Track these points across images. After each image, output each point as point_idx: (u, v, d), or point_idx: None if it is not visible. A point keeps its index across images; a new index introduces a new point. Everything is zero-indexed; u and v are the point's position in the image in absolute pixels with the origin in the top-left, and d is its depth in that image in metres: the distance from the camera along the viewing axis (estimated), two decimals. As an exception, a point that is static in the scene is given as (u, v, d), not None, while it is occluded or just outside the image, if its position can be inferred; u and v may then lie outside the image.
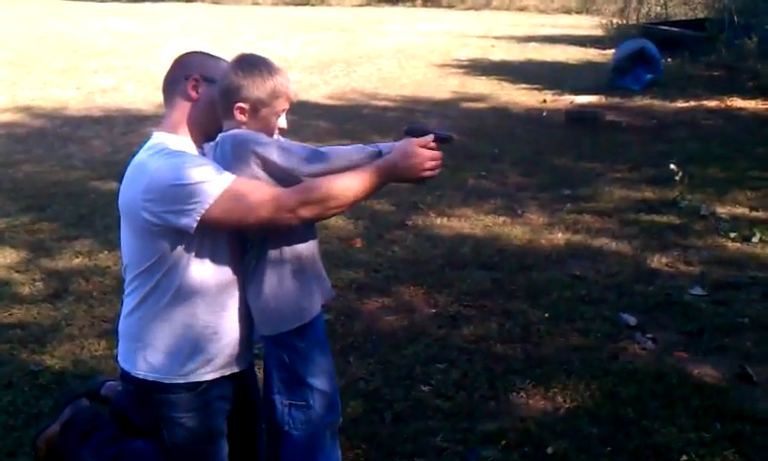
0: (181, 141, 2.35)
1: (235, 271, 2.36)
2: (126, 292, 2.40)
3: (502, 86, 11.63)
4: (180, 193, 2.16)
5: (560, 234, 5.52)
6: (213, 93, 2.36)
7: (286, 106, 2.35)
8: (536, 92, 11.17)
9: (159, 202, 2.17)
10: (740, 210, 5.99)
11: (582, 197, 6.42)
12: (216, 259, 2.31)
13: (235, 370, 2.46)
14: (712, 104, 9.98)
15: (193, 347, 2.34)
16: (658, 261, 5.01)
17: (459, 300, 4.42)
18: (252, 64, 2.31)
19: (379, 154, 2.36)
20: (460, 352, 3.81)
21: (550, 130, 9.05)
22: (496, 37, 16.97)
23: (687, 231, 5.57)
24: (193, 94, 2.38)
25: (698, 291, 4.56)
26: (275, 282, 2.34)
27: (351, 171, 2.28)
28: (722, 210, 5.96)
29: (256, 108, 2.29)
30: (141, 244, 2.28)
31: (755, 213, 5.91)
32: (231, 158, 2.25)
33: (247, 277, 2.36)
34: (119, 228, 2.37)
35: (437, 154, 2.33)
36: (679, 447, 3.04)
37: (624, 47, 11.61)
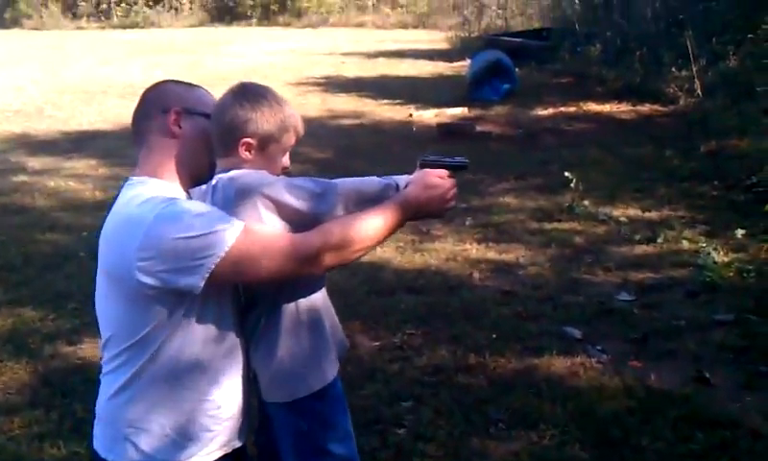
0: (167, 186, 1.99)
1: (238, 333, 2.03)
2: (108, 369, 1.99)
3: (365, 103, 11.53)
4: (184, 248, 1.80)
5: (473, 250, 5.44)
6: (199, 127, 2.03)
7: (293, 141, 2.06)
8: (399, 107, 11.15)
9: (160, 260, 1.80)
10: (633, 212, 6.16)
11: (480, 209, 6.39)
12: (221, 322, 1.97)
13: (237, 445, 2.11)
14: (571, 109, 10.36)
15: (196, 426, 1.98)
16: (576, 270, 5.04)
17: (399, 328, 4.21)
18: (259, 95, 2.00)
19: (395, 187, 2.10)
20: (423, 387, 3.60)
21: (424, 144, 8.99)
22: (344, 54, 16.90)
23: (593, 237, 5.66)
24: (175, 130, 2.02)
25: (626, 297, 4.61)
26: (291, 341, 2.03)
27: (371, 208, 2.01)
28: (617, 213, 6.11)
29: (265, 143, 1.98)
30: (133, 312, 1.90)
31: (648, 214, 6.09)
32: (236, 203, 1.92)
33: (253, 338, 2.04)
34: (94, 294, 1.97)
35: (454, 183, 2.12)
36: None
37: (479, 59, 11.85)
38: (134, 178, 2.01)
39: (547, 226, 5.93)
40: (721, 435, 3.15)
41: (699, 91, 9.74)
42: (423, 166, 2.14)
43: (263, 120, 1.96)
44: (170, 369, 1.92)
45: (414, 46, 17.81)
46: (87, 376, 3.66)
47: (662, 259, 5.16)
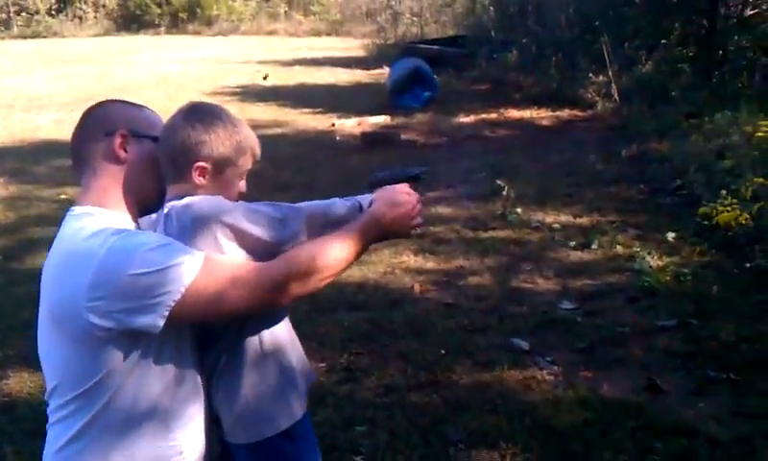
0: (115, 216, 1.80)
1: (198, 372, 1.85)
2: (54, 419, 1.78)
3: (285, 112, 11.34)
4: (141, 284, 1.62)
5: (411, 261, 5.34)
6: (147, 151, 1.86)
7: (250, 164, 1.90)
8: (320, 116, 11.01)
9: (114, 298, 1.62)
10: (565, 218, 6.18)
11: (413, 220, 6.27)
12: (180, 362, 1.79)
13: (197, 491, 1.93)
14: (492, 116, 10.43)
15: (157, 476, 1.80)
16: (516, 278, 5.00)
17: (345, 348, 4.07)
18: (213, 115, 1.84)
19: (359, 207, 1.97)
20: (375, 409, 3.46)
21: (350, 153, 8.92)
22: (260, 63, 16.62)
23: (528, 244, 5.64)
24: (121, 154, 1.83)
25: (568, 305, 4.59)
26: (255, 378, 1.87)
27: (336, 232, 1.87)
28: (549, 220, 6.12)
29: (221, 167, 1.82)
30: (83, 356, 1.70)
31: (579, 220, 6.13)
32: (193, 233, 1.75)
33: (213, 376, 1.86)
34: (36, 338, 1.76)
35: (419, 198, 2.01)
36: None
37: (399, 67, 11.81)
38: (78, 207, 1.81)
39: (483, 234, 5.88)
40: (680, 444, 3.13)
41: (616, 96, 9.95)
42: (378, 184, 2.03)
43: (218, 142, 1.80)
44: (126, 416, 1.74)
45: (330, 54, 17.69)
46: (17, 415, 3.38)
47: (599, 265, 5.17)
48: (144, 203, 1.86)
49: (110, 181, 1.83)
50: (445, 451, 3.15)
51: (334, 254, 1.82)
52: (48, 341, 1.75)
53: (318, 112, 11.22)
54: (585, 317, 4.41)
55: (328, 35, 23.07)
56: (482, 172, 7.59)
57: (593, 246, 5.46)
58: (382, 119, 10.59)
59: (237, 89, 13.36)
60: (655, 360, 3.88)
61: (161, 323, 1.64)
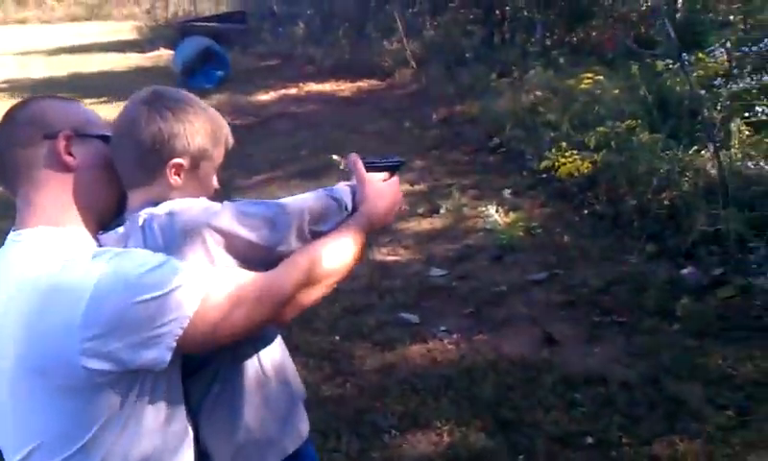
0: (77, 236, 1.50)
1: (185, 407, 1.59)
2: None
3: (67, 105, 10.37)
4: (144, 314, 1.34)
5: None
6: (98, 153, 1.56)
7: (223, 155, 1.65)
8: (107, 106, 10.17)
9: (113, 335, 1.32)
10: (403, 187, 6.16)
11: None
12: (172, 398, 1.52)
13: None
14: (292, 92, 10.25)
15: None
16: (379, 252, 4.93)
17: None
18: (181, 100, 1.56)
19: (340, 198, 1.79)
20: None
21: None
22: (18, 54, 15.13)
23: (378, 217, 5.58)
24: (69, 159, 1.52)
25: (438, 271, 4.60)
26: (258, 403, 1.64)
27: (335, 233, 1.68)
28: (389, 190, 6.09)
29: (197, 162, 1.56)
30: (73, 410, 1.38)
31: (418, 187, 6.20)
32: (183, 244, 1.49)
33: (203, 409, 1.61)
34: None
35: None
36: (575, 430, 3.00)
37: (186, 47, 11.26)
38: (25, 230, 1.48)
39: (329, 211, 5.73)
40: (597, 392, 3.24)
41: (412, 62, 10.14)
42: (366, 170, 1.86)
43: (193, 133, 1.55)
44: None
45: (97, 39, 16.50)
46: None
47: (453, 229, 5.24)
48: (102, 215, 1.56)
49: (59, 194, 1.51)
50: (380, 440, 3.02)
51: (339, 258, 1.64)
52: (19, 400, 1.40)
53: (104, 102, 10.39)
54: (459, 281, 4.44)
55: (87, 19, 21.52)
56: (303, 149, 7.43)
57: (441, 211, 5.53)
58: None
59: (4, 85, 12.06)
60: (539, 313, 3.99)
61: (169, 356, 1.37)
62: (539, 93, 7.31)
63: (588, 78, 5.54)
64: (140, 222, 1.50)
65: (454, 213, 5.48)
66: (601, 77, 5.74)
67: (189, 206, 1.51)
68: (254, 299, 1.47)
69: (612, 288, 4.17)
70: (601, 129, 4.98)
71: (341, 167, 6.07)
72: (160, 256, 1.40)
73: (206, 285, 1.40)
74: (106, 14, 20.93)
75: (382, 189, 1.79)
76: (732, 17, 5.00)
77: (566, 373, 3.39)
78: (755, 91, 5.18)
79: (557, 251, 4.72)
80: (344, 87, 10.33)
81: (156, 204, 1.51)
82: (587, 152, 5.10)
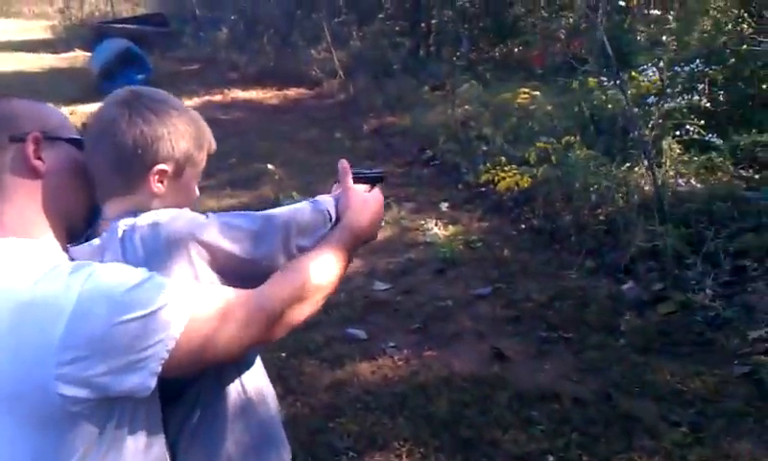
0: (48, 248, 1.38)
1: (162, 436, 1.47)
2: None
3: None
4: (128, 335, 1.22)
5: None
6: (69, 158, 1.44)
7: (205, 161, 1.56)
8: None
9: (94, 358, 1.19)
10: (338, 198, 6.10)
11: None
12: (150, 426, 1.39)
13: None
14: (218, 98, 10.04)
15: None
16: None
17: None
18: (163, 101, 1.46)
19: (325, 209, 1.70)
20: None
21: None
22: None
23: (315, 229, 5.48)
24: (38, 164, 1.39)
25: (382, 285, 4.54)
26: (240, 430, 1.54)
27: (321, 247, 1.60)
28: (324, 201, 6.00)
29: (181, 168, 1.46)
30: (47, 443, 1.24)
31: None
32: (168, 258, 1.38)
33: (182, 437, 1.50)
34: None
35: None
36: (535, 448, 2.98)
37: (105, 48, 10.89)
38: None
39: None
40: (552, 409, 3.22)
41: (340, 72, 10.08)
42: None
43: (178, 136, 1.45)
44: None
45: (6, 38, 15.77)
46: None
47: (394, 242, 5.19)
48: (72, 226, 1.44)
49: (28, 202, 1.38)
50: (338, 462, 2.93)
51: (328, 273, 1.55)
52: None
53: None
54: (403, 296, 4.39)
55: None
56: (232, 157, 7.25)
57: (381, 224, 5.44)
58: (97, 107, 9.64)
59: None
60: (486, 329, 3.97)
61: (153, 382, 1.26)
62: (468, 107, 7.36)
63: (525, 93, 5.59)
64: (120, 233, 1.38)
65: (394, 226, 5.43)
66: (537, 93, 5.80)
67: (174, 217, 1.40)
68: (243, 317, 1.37)
69: (556, 303, 4.19)
70: (541, 144, 5.01)
71: (276, 177, 5.97)
72: (143, 272, 1.28)
73: (193, 304, 1.29)
74: (16, 12, 20.05)
75: (367, 201, 1.72)
76: (664, 38, 5.15)
77: (520, 389, 3.37)
78: (685, 110, 5.34)
79: (498, 265, 4.72)
80: (270, 95, 10.18)
81: (135, 213, 1.40)
82: (526, 167, 5.13)
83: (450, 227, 5.31)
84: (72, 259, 1.37)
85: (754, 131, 5.39)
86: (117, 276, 1.25)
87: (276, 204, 5.68)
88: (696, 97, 5.23)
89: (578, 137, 5.11)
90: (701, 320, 3.90)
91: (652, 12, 8.14)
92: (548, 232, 5.12)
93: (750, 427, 3.03)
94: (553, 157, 4.88)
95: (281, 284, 1.45)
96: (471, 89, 6.92)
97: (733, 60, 5.50)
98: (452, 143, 6.84)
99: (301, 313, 1.48)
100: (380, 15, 10.73)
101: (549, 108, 6.04)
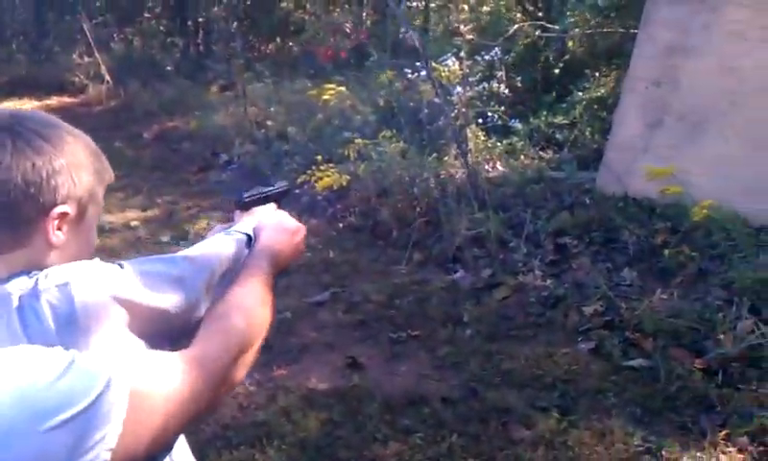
0: None
1: None
2: None
3: None
4: (60, 444, 0.92)
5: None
6: None
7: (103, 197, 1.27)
8: None
9: None
10: (135, 214, 5.65)
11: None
12: None
13: None
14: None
15: None
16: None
17: None
18: (54, 125, 1.17)
19: (247, 239, 1.47)
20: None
21: None
22: None
23: (118, 250, 5.00)
24: None
25: (208, 304, 4.20)
26: None
27: (245, 278, 1.35)
28: (118, 219, 5.52)
29: (84, 208, 1.16)
30: None
31: (153, 212, 5.66)
32: (86, 327, 1.08)
33: None
34: None
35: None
36: (420, 459, 2.85)
37: None
38: None
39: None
40: (423, 413, 3.11)
41: (107, 77, 9.36)
42: (247, 205, 1.58)
43: (78, 170, 1.16)
44: None
45: None
46: None
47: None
48: None
49: None
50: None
51: (262, 309, 1.32)
52: None
53: None
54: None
55: None
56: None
57: (190, 236, 5.08)
58: None
59: None
60: (334, 338, 3.79)
61: None
62: (258, 107, 7.10)
63: (330, 89, 5.45)
64: (15, 302, 1.04)
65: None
66: (342, 88, 5.68)
67: (86, 273, 1.09)
68: (191, 386, 1.10)
69: (395, 301, 4.10)
70: (359, 140, 4.90)
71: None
72: (61, 354, 0.96)
73: (130, 383, 0.99)
74: None
75: (283, 224, 1.51)
76: (462, 27, 5.24)
77: (385, 397, 3.22)
78: (484, 98, 5.48)
79: (327, 268, 4.55)
80: (29, 106, 9.19)
81: (27, 273, 1.07)
82: (343, 165, 4.99)
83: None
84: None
85: (545, 113, 5.66)
86: (31, 366, 0.92)
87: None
88: (495, 84, 5.37)
89: (389, 131, 5.05)
90: (535, 300, 3.98)
91: (413, 3, 8.35)
92: (368, 230, 5.03)
93: (612, 402, 3.10)
94: (371, 153, 4.78)
95: (222, 336, 1.19)
96: (266, 88, 6.65)
97: (522, 48, 5.72)
98: (249, 145, 6.53)
99: (246, 364, 1.23)
100: (146, 14, 10.08)
101: (350, 102, 5.94)
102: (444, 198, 4.79)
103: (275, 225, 1.48)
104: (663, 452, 2.75)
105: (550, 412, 3.05)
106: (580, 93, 5.57)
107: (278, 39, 10.22)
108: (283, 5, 10.43)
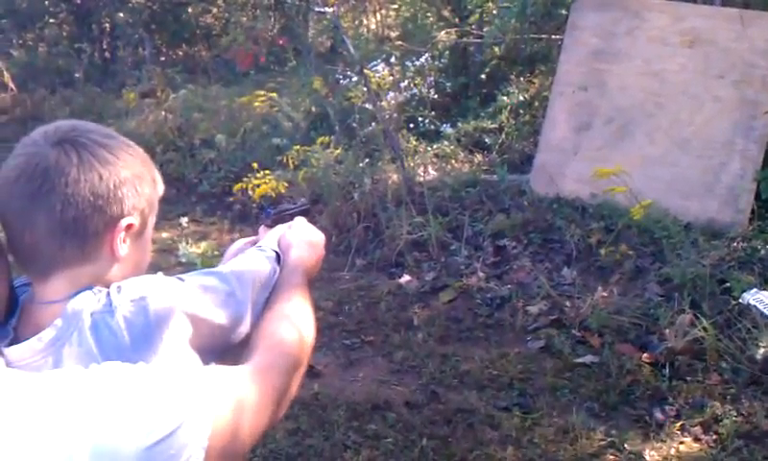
0: None
1: None
2: None
3: None
4: (158, 457, 0.93)
5: None
6: None
7: None
8: None
9: None
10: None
11: None
12: None
13: None
14: None
15: None
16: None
17: None
18: (110, 135, 1.12)
19: (276, 256, 1.49)
20: None
21: None
22: None
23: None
24: None
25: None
26: None
27: (285, 293, 1.37)
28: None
29: (146, 219, 1.15)
30: None
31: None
32: (158, 340, 1.09)
33: None
34: None
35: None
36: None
37: None
38: None
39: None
40: (391, 418, 3.13)
41: (12, 86, 8.97)
42: (275, 222, 1.61)
43: (140, 180, 1.13)
44: None
45: None
46: None
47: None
48: None
49: None
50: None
51: (309, 321, 1.35)
52: None
53: None
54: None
55: None
56: None
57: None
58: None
59: None
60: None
61: None
62: (179, 113, 6.94)
63: (261, 96, 5.39)
64: (88, 321, 1.03)
65: (170, 246, 4.94)
66: (274, 95, 5.62)
67: (159, 287, 1.09)
68: (256, 403, 1.11)
69: (345, 307, 4.11)
70: (297, 147, 4.87)
71: None
72: (145, 373, 0.96)
73: (211, 401, 1.00)
74: None
75: (310, 238, 1.54)
76: (390, 33, 5.28)
77: (350, 404, 3.23)
78: (414, 103, 5.55)
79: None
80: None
81: (90, 288, 1.04)
82: (281, 171, 4.96)
83: (202, 243, 4.96)
84: (9, 364, 0.99)
85: (471, 118, 5.77)
86: (126, 386, 0.92)
87: None
88: (424, 89, 5.45)
89: (324, 137, 5.05)
90: (481, 302, 4.07)
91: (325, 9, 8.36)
92: (307, 237, 5.00)
93: (569, 399, 3.20)
94: (312, 159, 4.77)
95: (280, 349, 1.21)
96: (189, 94, 6.51)
97: (448, 54, 5.82)
98: (171, 152, 6.39)
99: (299, 376, 1.24)
100: (50, 20, 9.69)
101: (276, 109, 5.90)
102: (384, 203, 4.83)
103: (306, 240, 1.50)
104: (626, 445, 2.85)
105: (512, 411, 3.13)
106: (504, 98, 5.71)
107: (185, 45, 10.01)
108: (190, 10, 10.22)
